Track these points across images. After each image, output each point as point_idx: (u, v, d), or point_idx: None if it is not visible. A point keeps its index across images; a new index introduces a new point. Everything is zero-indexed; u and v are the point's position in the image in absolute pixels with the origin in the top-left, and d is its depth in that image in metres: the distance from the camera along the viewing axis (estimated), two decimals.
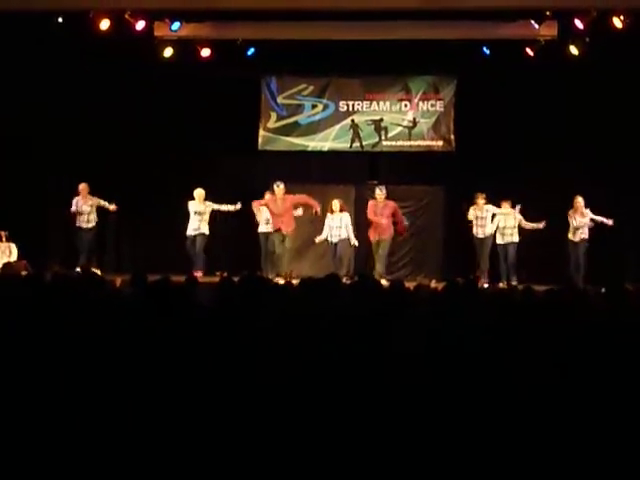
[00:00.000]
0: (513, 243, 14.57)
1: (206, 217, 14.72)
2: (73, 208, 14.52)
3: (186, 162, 15.55)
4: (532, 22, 13.89)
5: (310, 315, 5.11)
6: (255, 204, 14.61)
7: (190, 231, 14.63)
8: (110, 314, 5.02)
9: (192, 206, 14.68)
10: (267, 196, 14.73)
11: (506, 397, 3.60)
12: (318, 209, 14.53)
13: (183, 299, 5.85)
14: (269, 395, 3.57)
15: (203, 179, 15.37)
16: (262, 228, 14.88)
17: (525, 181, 15.07)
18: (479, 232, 14.65)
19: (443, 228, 15.67)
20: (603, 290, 6.39)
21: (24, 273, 8.64)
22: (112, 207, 14.67)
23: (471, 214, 14.64)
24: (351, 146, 16.25)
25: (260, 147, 16.28)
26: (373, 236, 14.53)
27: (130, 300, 5.77)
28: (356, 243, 14.76)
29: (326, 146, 16.29)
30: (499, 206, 14.59)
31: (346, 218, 14.70)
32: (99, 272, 13.57)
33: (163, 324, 4.60)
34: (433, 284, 12.20)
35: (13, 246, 14.30)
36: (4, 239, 14.31)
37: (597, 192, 14.67)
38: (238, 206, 14.80)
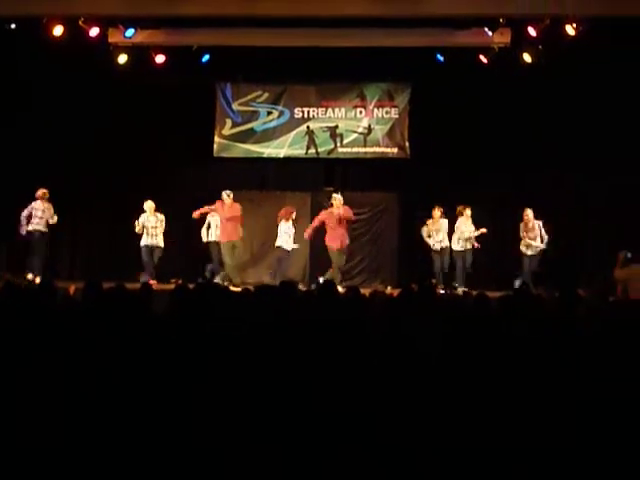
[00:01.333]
0: (469, 250, 14.61)
1: (160, 230, 14.59)
2: (25, 213, 14.22)
3: (141, 169, 15.50)
4: (486, 29, 13.97)
5: (265, 322, 5.10)
6: (196, 213, 14.53)
7: (145, 241, 14.51)
8: (63, 323, 4.98)
9: (142, 219, 14.51)
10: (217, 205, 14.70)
11: (458, 401, 3.62)
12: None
13: (138, 307, 5.82)
14: (222, 402, 3.56)
15: (158, 186, 15.32)
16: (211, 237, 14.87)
17: (479, 187, 15.16)
18: (436, 245, 14.67)
19: (398, 234, 15.71)
20: (556, 295, 6.43)
21: None
22: (54, 219, 14.40)
23: (425, 230, 14.68)
24: (307, 153, 16.28)
25: (215, 154, 16.25)
26: (334, 244, 14.45)
27: (84, 308, 5.73)
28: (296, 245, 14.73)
29: (282, 153, 16.30)
30: (457, 212, 14.63)
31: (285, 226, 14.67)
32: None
33: (118, 331, 4.57)
34: (388, 290, 12.26)
35: None
36: None
37: (552, 198, 14.83)
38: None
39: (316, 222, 14.52)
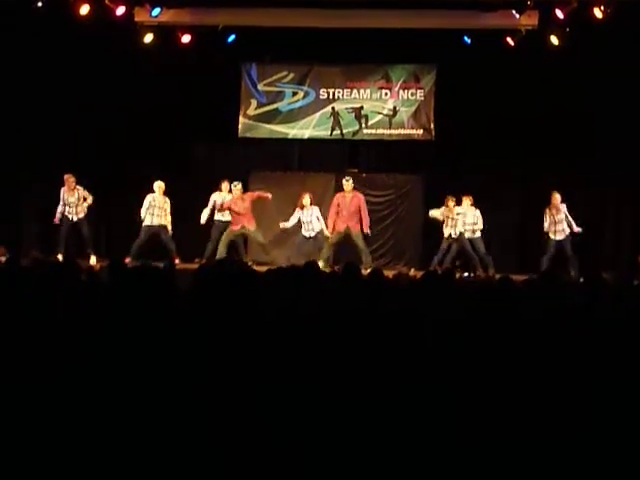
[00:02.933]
0: (476, 238, 14.51)
1: (167, 211, 14.58)
2: (61, 200, 14.37)
3: (165, 148, 15.52)
4: (513, 12, 13.91)
5: (290, 302, 5.11)
6: (224, 206, 14.61)
7: (148, 222, 14.52)
8: (88, 300, 5.00)
9: (149, 199, 14.51)
10: (222, 192, 14.79)
11: (483, 385, 3.62)
12: (269, 196, 14.63)
13: (162, 285, 5.84)
14: (245, 382, 3.57)
15: (183, 167, 15.36)
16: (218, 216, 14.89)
17: (504, 171, 15.12)
18: (451, 232, 14.60)
19: (423, 217, 15.65)
20: (581, 279, 6.41)
21: (2, 258, 8.62)
22: (89, 200, 14.51)
23: (439, 213, 14.61)
24: (331, 134, 16.25)
25: (240, 134, 16.25)
26: (341, 227, 14.49)
27: (108, 286, 5.75)
28: (327, 234, 14.66)
29: (306, 134, 16.28)
30: (460, 201, 14.53)
31: (316, 211, 14.66)
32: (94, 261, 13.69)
33: (142, 310, 4.59)
34: (412, 272, 12.25)
35: None
36: None
37: (576, 183, 14.78)
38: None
39: (334, 211, 14.53)
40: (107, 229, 16.06)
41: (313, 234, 14.56)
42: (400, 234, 15.87)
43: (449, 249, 14.53)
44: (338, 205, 14.52)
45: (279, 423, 3.36)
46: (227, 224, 14.64)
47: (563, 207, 14.15)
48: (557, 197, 14.13)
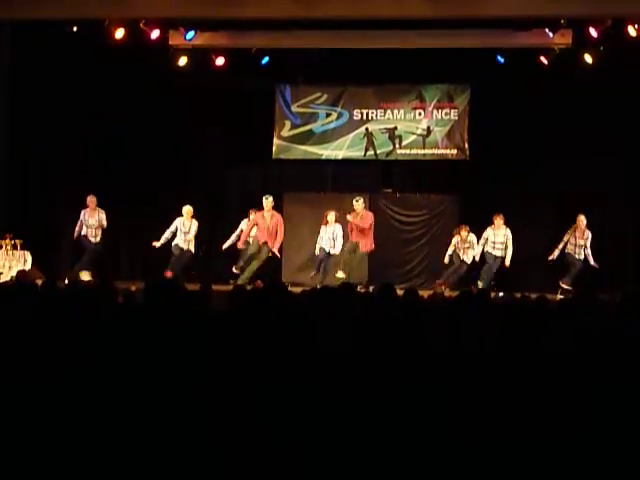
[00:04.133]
0: (502, 257, 14.47)
1: (190, 236, 14.63)
2: (79, 221, 14.57)
3: (201, 170, 15.62)
4: (547, 30, 13.87)
5: (326, 323, 5.12)
6: (247, 229, 14.58)
7: (177, 242, 14.61)
8: (125, 322, 5.04)
9: (177, 223, 14.58)
10: (251, 215, 14.68)
11: (517, 405, 3.61)
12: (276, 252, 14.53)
13: (198, 306, 5.87)
14: (282, 401, 3.58)
15: (218, 188, 15.45)
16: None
17: (540, 190, 15.07)
18: (465, 258, 14.61)
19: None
20: (618, 299, 6.35)
21: (39, 281, 8.67)
22: (104, 225, 14.66)
23: (453, 243, 14.65)
24: (365, 154, 16.27)
25: (274, 155, 16.31)
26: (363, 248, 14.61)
27: (145, 307, 5.79)
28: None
29: (340, 154, 16.32)
30: (492, 221, 14.48)
31: (338, 229, 14.69)
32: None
33: (178, 330, 4.62)
34: (447, 293, 12.23)
35: (28, 254, 14.33)
36: (19, 247, 14.35)
37: (613, 198, 14.72)
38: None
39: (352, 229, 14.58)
40: (141, 254, 16.13)
41: (335, 251, 14.60)
42: (434, 254, 15.82)
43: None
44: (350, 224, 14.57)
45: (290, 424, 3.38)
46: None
47: (588, 233, 14.07)
48: (582, 220, 14.06)
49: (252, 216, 14.60)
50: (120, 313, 5.34)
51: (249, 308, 5.53)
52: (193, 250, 14.67)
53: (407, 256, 15.66)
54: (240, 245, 14.55)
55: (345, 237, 14.64)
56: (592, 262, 14.07)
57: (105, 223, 14.61)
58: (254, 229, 14.33)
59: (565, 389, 3.80)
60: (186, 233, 14.54)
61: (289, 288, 10.02)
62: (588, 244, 14.10)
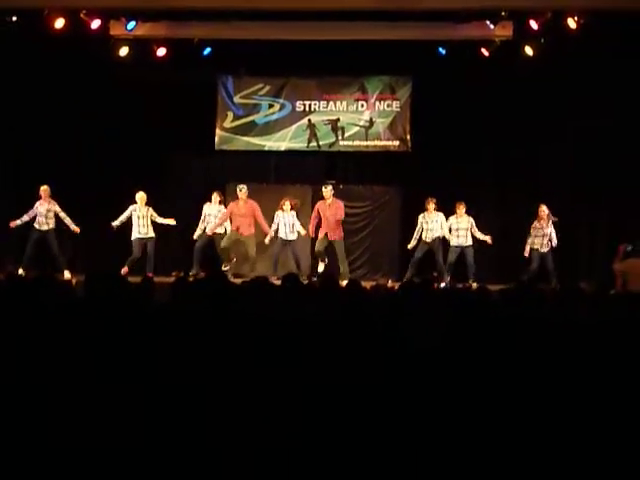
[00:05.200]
0: (468, 246, 14.57)
1: (149, 220, 14.63)
2: (30, 211, 14.38)
3: (141, 162, 15.50)
4: (487, 22, 13.96)
5: (266, 315, 5.10)
6: (223, 218, 14.70)
7: (136, 234, 14.59)
8: (65, 315, 4.98)
9: (131, 209, 14.60)
10: (212, 203, 14.86)
11: (458, 396, 3.63)
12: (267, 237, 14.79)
13: (139, 299, 5.83)
14: (225, 398, 3.57)
15: (160, 179, 15.35)
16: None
17: (481, 181, 15.19)
18: (427, 236, 14.65)
19: (400, 228, 15.68)
20: (558, 289, 6.44)
21: None
22: (74, 228, 14.52)
23: (420, 220, 14.68)
24: (308, 146, 16.28)
25: (217, 146, 16.25)
26: (324, 235, 14.62)
27: (86, 301, 5.73)
28: (302, 231, 14.85)
29: (283, 146, 16.30)
30: (455, 208, 14.59)
31: (295, 217, 14.86)
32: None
33: (120, 324, 4.57)
34: (390, 284, 12.28)
35: None
36: None
37: (550, 192, 14.86)
38: (173, 222, 14.78)
39: (315, 217, 14.64)
40: (85, 243, 15.97)
41: (294, 237, 14.65)
42: (377, 246, 15.89)
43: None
44: (318, 212, 14.60)
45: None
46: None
47: (552, 220, 14.21)
48: (544, 209, 14.20)
49: (214, 199, 14.84)
50: (59, 306, 5.28)
51: (190, 300, 5.49)
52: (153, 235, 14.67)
53: (350, 247, 15.66)
54: (209, 232, 14.69)
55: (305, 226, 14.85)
56: (555, 243, 14.21)
57: (57, 209, 14.40)
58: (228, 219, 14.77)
59: (505, 377, 3.83)
60: (144, 217, 14.53)
61: (233, 280, 10.00)
62: (554, 234, 14.23)
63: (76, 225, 14.50)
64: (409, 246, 14.71)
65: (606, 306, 5.84)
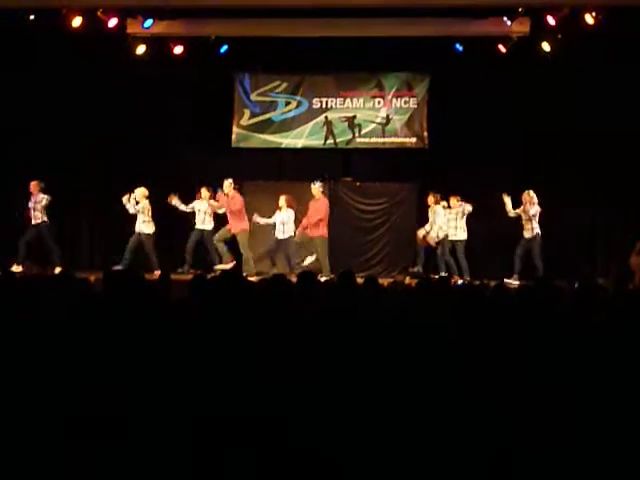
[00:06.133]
0: (460, 241, 14.60)
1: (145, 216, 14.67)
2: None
3: (159, 159, 15.53)
4: (504, 19, 13.95)
5: (281, 312, 5.12)
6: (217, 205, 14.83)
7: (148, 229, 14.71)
8: (85, 312, 5.01)
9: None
10: (202, 200, 15.02)
11: (473, 392, 3.63)
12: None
13: (158, 297, 5.85)
14: (241, 392, 3.58)
15: (177, 176, 15.36)
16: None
17: (497, 178, 15.14)
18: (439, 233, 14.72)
19: (417, 225, 15.65)
20: (576, 285, 6.41)
21: None
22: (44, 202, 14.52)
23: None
24: (325, 143, 16.26)
25: (234, 144, 16.25)
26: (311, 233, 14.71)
27: (105, 298, 5.75)
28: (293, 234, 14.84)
29: (300, 143, 16.29)
30: (448, 201, 14.66)
31: (291, 214, 14.81)
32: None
33: (138, 321, 4.60)
34: (407, 281, 12.27)
35: None
36: None
37: (568, 189, 14.82)
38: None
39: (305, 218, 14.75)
40: (94, 239, 16.04)
41: (285, 236, 14.68)
42: (394, 242, 15.86)
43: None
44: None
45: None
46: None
47: (535, 208, 14.19)
48: (530, 193, 14.18)
49: (204, 195, 14.96)
50: (79, 304, 5.30)
51: (207, 297, 5.51)
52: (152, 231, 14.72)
53: (367, 245, 15.66)
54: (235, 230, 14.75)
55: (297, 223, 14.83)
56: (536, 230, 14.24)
57: (45, 203, 14.45)
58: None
59: (522, 375, 3.83)
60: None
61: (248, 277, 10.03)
62: (535, 219, 14.21)
63: (92, 222, 14.60)
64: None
65: (624, 302, 5.81)
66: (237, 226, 14.60)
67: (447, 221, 14.71)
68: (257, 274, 13.73)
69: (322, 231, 14.64)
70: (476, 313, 5.17)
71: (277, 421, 3.41)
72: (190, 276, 8.20)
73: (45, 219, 14.44)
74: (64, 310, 5.08)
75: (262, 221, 14.79)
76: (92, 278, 9.87)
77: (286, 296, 5.65)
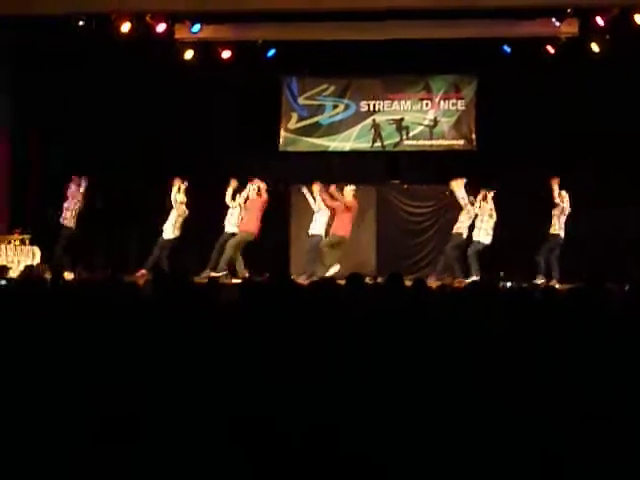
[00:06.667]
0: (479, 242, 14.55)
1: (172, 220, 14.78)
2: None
3: (208, 164, 15.59)
4: (553, 20, 13.86)
5: (333, 315, 5.12)
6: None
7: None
8: (135, 316, 5.04)
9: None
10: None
11: (524, 395, 3.61)
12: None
13: (207, 300, 5.88)
14: (293, 395, 3.59)
15: (225, 180, 15.41)
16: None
17: (545, 181, 15.02)
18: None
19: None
20: (627, 288, 6.35)
21: (47, 276, 8.71)
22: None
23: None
24: (372, 146, 16.26)
25: (281, 148, 16.31)
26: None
27: (154, 301, 5.79)
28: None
29: (347, 146, 16.30)
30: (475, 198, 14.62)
31: (321, 213, 14.77)
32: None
33: (187, 325, 4.62)
34: (456, 283, 12.23)
35: (36, 249, 14.37)
36: (27, 242, 14.39)
37: (618, 188, 14.68)
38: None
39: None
40: (143, 241, 16.15)
41: (313, 232, 14.67)
42: (443, 245, 15.79)
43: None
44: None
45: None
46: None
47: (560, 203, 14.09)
48: (556, 189, 14.10)
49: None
50: (130, 307, 5.35)
51: (258, 301, 5.53)
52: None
53: (415, 247, 15.66)
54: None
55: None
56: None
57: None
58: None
59: (574, 377, 3.80)
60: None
61: (298, 279, 10.05)
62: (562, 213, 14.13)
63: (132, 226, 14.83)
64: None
65: None
66: (247, 225, 14.60)
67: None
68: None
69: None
70: (527, 313, 5.14)
71: (329, 424, 3.42)
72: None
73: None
74: (113, 314, 5.13)
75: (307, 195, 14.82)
76: (141, 282, 9.97)
77: (334, 299, 5.66)
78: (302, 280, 12.11)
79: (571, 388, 3.66)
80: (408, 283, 6.83)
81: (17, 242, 14.34)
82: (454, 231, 14.59)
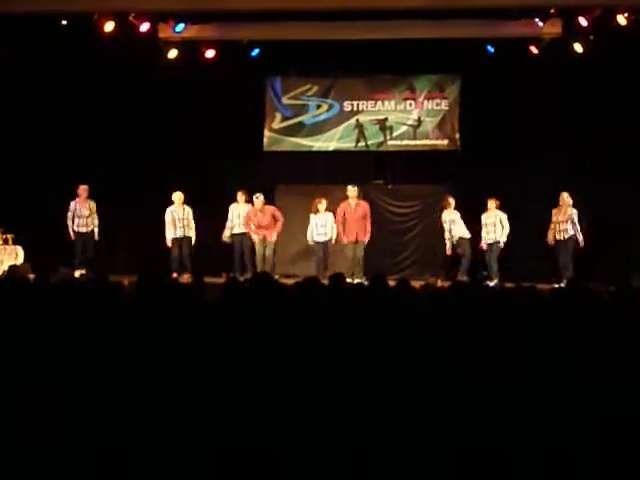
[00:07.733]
0: (496, 242, 14.55)
1: (188, 221, 14.71)
2: (70, 213, 14.53)
3: (191, 163, 15.56)
4: (536, 20, 13.90)
5: (314, 314, 5.12)
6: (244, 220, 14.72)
7: (172, 234, 14.67)
8: (119, 316, 5.03)
9: (170, 210, 14.70)
10: (239, 203, 14.84)
11: (509, 396, 3.61)
12: (279, 225, 14.62)
13: (191, 300, 5.87)
14: (272, 394, 3.59)
15: (208, 180, 15.40)
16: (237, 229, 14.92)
17: (529, 180, 15.07)
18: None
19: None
20: (611, 289, 6.35)
21: (30, 276, 8.67)
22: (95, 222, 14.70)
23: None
24: (356, 146, 16.27)
25: (265, 148, 16.30)
26: (349, 238, 14.51)
27: (138, 302, 5.78)
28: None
29: (331, 146, 16.31)
30: (486, 204, 14.58)
31: (330, 218, 14.70)
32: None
33: (172, 325, 4.61)
34: (439, 283, 12.24)
35: (20, 249, 14.32)
36: (11, 242, 14.34)
37: (601, 190, 14.70)
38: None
39: (339, 220, 14.53)
40: (129, 245, 16.11)
41: (325, 239, 14.60)
42: (426, 245, 15.83)
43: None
44: (344, 214, 14.53)
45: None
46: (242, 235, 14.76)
47: (571, 211, 14.10)
48: (564, 198, 14.12)
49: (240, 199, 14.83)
50: (112, 308, 5.34)
51: (241, 300, 5.53)
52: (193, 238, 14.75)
53: (399, 247, 15.67)
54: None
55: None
56: (581, 239, 14.08)
57: (95, 214, 14.59)
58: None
59: (557, 377, 3.81)
60: (183, 219, 14.61)
61: (281, 280, 10.03)
62: (573, 222, 14.12)
63: (122, 226, 14.74)
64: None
65: None
66: (271, 234, 14.60)
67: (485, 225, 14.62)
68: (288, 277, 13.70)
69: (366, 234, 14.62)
70: (511, 315, 5.15)
71: (315, 425, 3.42)
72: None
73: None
74: (96, 314, 5.11)
75: (309, 235, 14.78)
76: (126, 282, 9.94)
77: (317, 298, 5.66)
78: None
79: (553, 387, 3.67)
80: (392, 283, 6.84)
81: (0, 242, 14.28)
82: (466, 236, 14.62)
